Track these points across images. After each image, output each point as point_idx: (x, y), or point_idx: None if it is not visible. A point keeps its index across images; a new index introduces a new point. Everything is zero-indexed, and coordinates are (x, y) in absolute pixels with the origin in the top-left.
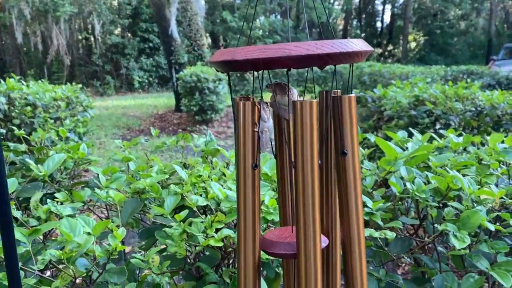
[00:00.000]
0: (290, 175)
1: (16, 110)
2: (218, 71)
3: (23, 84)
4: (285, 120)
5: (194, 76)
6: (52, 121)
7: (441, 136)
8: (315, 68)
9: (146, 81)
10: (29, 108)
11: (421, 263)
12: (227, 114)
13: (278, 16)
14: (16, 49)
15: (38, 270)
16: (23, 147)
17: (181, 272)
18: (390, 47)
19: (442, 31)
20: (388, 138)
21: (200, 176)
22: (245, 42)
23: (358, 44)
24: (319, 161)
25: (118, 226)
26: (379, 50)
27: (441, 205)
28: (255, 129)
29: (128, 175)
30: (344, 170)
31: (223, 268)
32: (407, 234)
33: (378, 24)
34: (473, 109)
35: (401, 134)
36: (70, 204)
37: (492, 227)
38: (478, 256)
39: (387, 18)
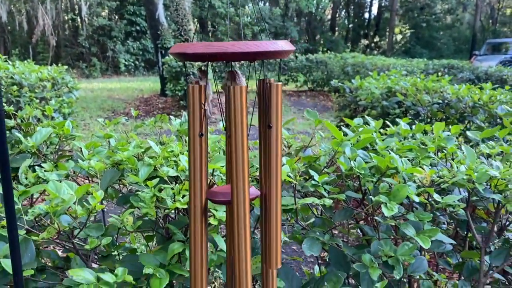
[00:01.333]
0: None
1: (2, 89)
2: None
3: (9, 63)
4: None
5: (179, 61)
6: (37, 100)
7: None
8: (300, 58)
9: (132, 64)
10: (15, 87)
11: (364, 231)
12: (212, 100)
13: (267, 4)
14: (0, 27)
15: (27, 222)
16: (12, 122)
17: (155, 238)
18: (376, 39)
19: (428, 25)
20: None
21: (172, 151)
22: (233, 29)
23: (281, 45)
24: (270, 125)
25: (97, 190)
26: (366, 42)
27: (379, 181)
28: (203, 107)
29: (109, 150)
30: (269, 139)
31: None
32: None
33: (366, 15)
34: (441, 101)
35: (357, 120)
36: (56, 172)
37: (417, 199)
38: (406, 224)
39: (375, 10)
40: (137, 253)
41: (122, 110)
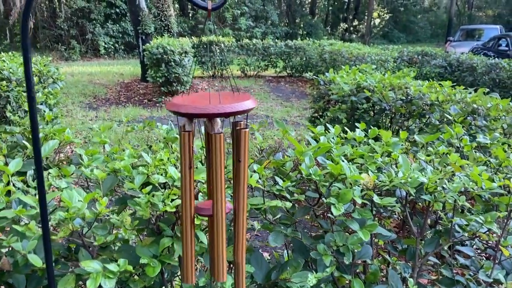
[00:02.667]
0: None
1: None
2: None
3: None
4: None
5: (160, 48)
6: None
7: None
8: (279, 44)
9: (112, 47)
10: (4, 82)
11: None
12: (192, 86)
13: None
14: None
15: (51, 225)
16: (17, 129)
17: (145, 231)
18: (355, 23)
19: (406, 9)
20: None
21: (161, 160)
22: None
23: (248, 104)
24: (239, 160)
25: (101, 196)
26: (345, 25)
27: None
28: (192, 148)
29: (105, 156)
30: (238, 170)
31: (176, 227)
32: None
33: None
34: (404, 98)
35: (319, 128)
36: (65, 179)
37: (359, 201)
38: (351, 220)
39: None
40: (130, 244)
41: (104, 95)
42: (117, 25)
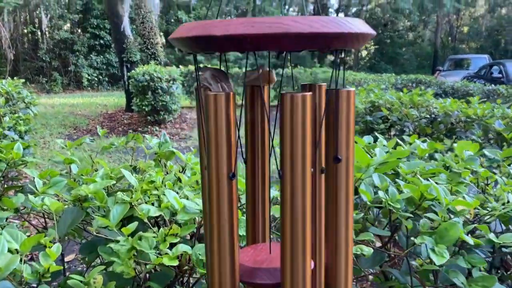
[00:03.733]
0: (262, 183)
1: None
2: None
3: None
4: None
5: (146, 75)
6: None
7: (402, 142)
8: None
9: (96, 79)
10: None
11: (389, 276)
12: (180, 115)
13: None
14: None
15: None
16: None
17: None
18: (342, 55)
19: (392, 41)
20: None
21: (152, 182)
22: None
23: (361, 26)
24: (311, 169)
25: (53, 241)
26: (332, 57)
27: (412, 215)
28: (233, 128)
29: (70, 179)
30: (335, 179)
31: None
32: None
33: None
34: (428, 116)
35: (367, 139)
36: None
37: (471, 241)
38: (455, 272)
39: None
40: None
41: (85, 126)
42: (101, 56)
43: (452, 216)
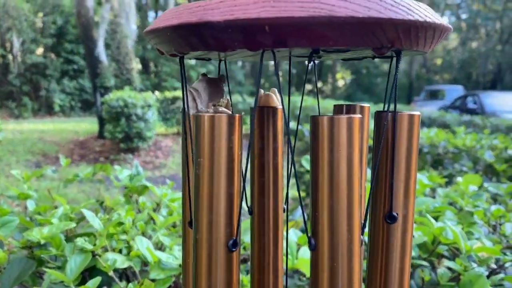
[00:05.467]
0: (274, 242)
1: None
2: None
3: None
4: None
5: (120, 101)
6: None
7: None
8: (247, 101)
9: (68, 104)
10: None
11: None
12: (155, 143)
13: None
14: None
15: None
16: None
17: None
18: (319, 84)
19: (368, 71)
20: None
21: (121, 224)
22: (177, 70)
23: (437, 16)
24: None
25: None
26: (309, 87)
27: (428, 264)
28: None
29: (24, 218)
30: (386, 242)
31: None
32: None
33: None
34: None
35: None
36: None
37: None
38: None
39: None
40: None
41: (54, 154)
42: (74, 81)
43: (475, 265)
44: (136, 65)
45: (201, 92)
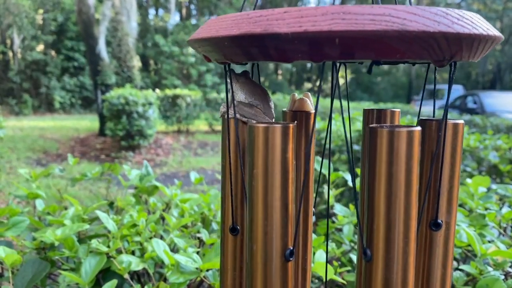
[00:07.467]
0: (303, 242)
1: None
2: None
3: None
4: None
5: (122, 99)
6: None
7: None
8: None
9: (68, 101)
10: None
11: None
12: (156, 141)
13: None
14: None
15: None
16: None
17: None
18: (319, 83)
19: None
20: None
21: (134, 226)
22: (177, 68)
23: (490, 27)
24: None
25: None
26: (309, 85)
27: None
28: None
29: (34, 219)
30: (429, 249)
31: None
32: None
33: None
34: None
35: None
36: None
37: None
38: None
39: None
40: None
41: (55, 151)
42: (75, 78)
43: (490, 269)
44: (137, 63)
45: (243, 89)
